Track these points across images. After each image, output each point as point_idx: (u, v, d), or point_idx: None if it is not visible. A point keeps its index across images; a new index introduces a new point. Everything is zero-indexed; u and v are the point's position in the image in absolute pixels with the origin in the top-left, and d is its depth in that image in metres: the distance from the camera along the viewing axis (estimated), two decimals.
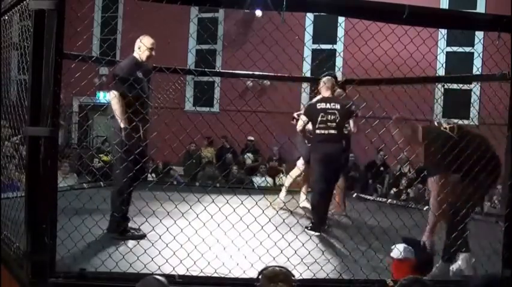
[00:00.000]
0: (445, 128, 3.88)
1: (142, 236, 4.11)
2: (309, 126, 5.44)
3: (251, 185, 9.29)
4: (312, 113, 5.30)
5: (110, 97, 4.28)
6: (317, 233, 4.97)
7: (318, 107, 5.25)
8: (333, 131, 5.15)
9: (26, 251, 2.89)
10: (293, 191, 6.35)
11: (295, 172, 6.48)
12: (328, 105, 5.21)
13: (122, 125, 4.16)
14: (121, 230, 4.24)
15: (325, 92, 5.39)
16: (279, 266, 2.79)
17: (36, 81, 2.84)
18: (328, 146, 5.15)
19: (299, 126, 5.50)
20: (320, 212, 5.18)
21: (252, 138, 10.01)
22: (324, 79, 5.48)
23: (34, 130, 2.87)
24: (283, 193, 6.44)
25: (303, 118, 5.45)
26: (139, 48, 4.44)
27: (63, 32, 2.84)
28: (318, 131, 5.19)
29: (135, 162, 3.89)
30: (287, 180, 6.65)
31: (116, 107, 4.23)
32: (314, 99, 5.53)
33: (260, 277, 2.53)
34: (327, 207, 5.31)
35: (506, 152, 3.91)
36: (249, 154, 10.46)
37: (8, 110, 3.66)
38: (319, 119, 5.18)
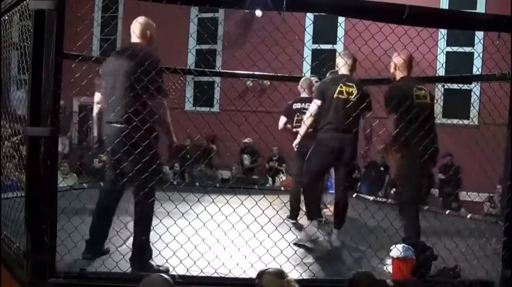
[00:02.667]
0: None
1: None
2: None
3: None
4: (288, 112, 5.58)
5: (158, 105, 3.37)
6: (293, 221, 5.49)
7: (294, 107, 5.57)
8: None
9: (26, 251, 2.89)
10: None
11: None
12: (302, 105, 5.44)
13: (171, 140, 3.55)
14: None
15: (301, 93, 5.68)
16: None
17: (36, 81, 2.84)
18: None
19: (280, 125, 5.70)
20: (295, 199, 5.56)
21: (247, 140, 10.00)
22: (301, 80, 5.78)
23: (34, 130, 2.87)
24: None
25: (282, 118, 5.68)
26: (143, 32, 3.57)
27: (63, 32, 2.84)
28: (294, 130, 5.47)
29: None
30: None
31: (166, 118, 3.44)
32: (291, 100, 5.66)
33: (264, 276, 2.53)
34: (298, 193, 5.61)
35: (506, 152, 3.91)
36: (246, 155, 10.51)
37: (8, 110, 3.66)
38: (295, 118, 5.50)
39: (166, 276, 2.40)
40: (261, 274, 2.55)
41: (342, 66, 4.51)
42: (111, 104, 3.38)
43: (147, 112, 3.31)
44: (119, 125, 3.35)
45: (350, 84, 4.41)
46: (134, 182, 3.33)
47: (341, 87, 4.36)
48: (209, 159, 10.08)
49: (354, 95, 4.36)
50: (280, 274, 2.53)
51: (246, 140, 9.97)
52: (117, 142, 3.31)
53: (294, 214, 5.60)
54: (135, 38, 3.59)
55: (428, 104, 4.16)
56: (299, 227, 5.12)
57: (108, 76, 3.51)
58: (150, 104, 3.33)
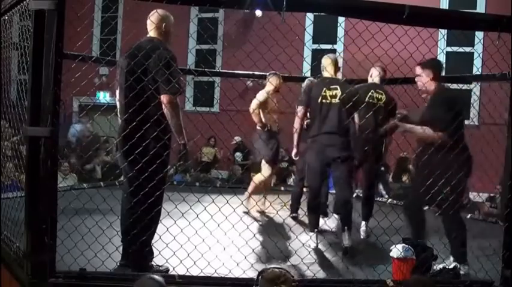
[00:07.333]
0: None
1: None
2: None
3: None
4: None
5: (167, 103, 3.20)
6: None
7: None
8: None
9: (26, 251, 2.90)
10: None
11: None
12: None
13: (183, 141, 3.38)
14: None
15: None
16: (278, 267, 2.80)
17: (36, 82, 2.84)
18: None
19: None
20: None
21: (237, 138, 10.09)
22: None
23: (34, 130, 2.87)
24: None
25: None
26: (159, 27, 3.39)
27: (63, 32, 2.84)
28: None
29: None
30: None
31: (178, 118, 3.27)
32: None
33: (260, 279, 2.53)
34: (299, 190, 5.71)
35: (506, 152, 3.92)
36: (238, 153, 10.54)
37: (8, 110, 3.66)
38: None
39: (158, 278, 2.37)
40: (259, 276, 2.54)
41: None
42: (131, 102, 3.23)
43: (161, 111, 3.24)
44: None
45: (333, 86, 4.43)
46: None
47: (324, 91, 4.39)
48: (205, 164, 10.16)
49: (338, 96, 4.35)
50: (275, 279, 2.50)
51: (236, 138, 10.07)
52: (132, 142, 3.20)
53: (294, 208, 5.73)
54: (152, 32, 3.44)
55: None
56: (299, 226, 5.11)
57: (126, 74, 3.34)
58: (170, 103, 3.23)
